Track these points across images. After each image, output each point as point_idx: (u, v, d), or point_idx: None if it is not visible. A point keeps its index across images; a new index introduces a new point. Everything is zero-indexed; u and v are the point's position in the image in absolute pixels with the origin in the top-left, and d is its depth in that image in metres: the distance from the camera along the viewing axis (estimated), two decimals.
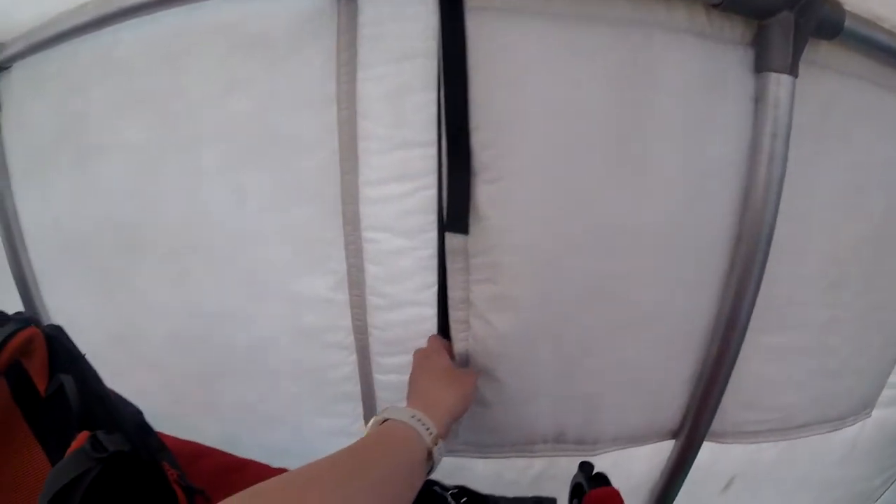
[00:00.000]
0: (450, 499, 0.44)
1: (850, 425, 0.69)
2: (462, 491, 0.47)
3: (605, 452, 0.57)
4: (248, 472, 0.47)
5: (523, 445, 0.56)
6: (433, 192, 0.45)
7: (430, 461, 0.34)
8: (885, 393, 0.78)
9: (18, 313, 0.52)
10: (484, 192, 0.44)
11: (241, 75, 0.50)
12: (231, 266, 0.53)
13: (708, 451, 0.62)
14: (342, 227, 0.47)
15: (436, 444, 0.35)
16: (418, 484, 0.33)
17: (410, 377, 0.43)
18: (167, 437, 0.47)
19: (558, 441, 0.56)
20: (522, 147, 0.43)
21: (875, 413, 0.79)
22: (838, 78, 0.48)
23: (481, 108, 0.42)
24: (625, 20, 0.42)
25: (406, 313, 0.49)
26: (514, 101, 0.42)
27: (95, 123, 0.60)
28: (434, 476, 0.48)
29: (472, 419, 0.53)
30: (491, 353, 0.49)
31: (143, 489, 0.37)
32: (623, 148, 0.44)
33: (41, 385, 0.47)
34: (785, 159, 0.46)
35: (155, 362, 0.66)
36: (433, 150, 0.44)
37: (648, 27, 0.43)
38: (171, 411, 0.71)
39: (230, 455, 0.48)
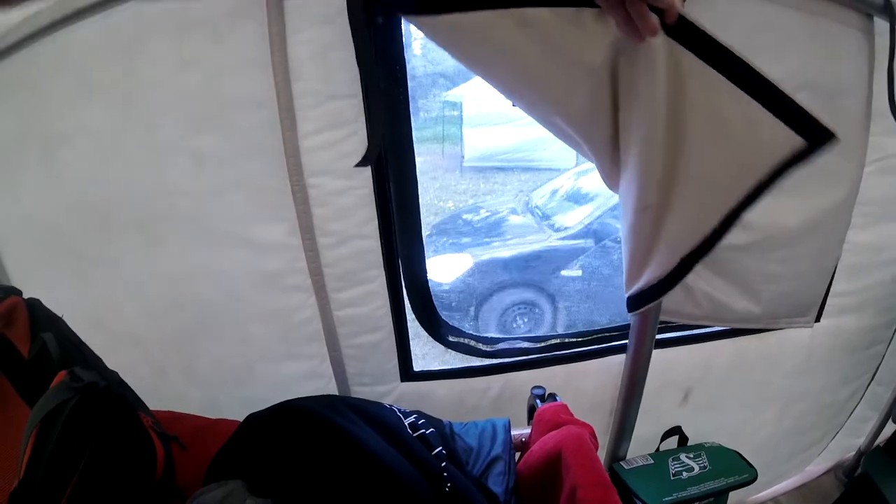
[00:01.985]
0: (398, 412, 0.50)
1: (784, 327, 0.72)
2: (416, 412, 0.53)
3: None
4: (220, 428, 0.53)
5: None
6: (362, 136, 0.54)
7: None
8: (833, 302, 0.88)
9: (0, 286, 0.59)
10: None
11: (189, 54, 0.58)
12: (194, 226, 0.60)
13: (658, 364, 0.68)
14: (288, 178, 0.57)
15: None
16: None
17: None
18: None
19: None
20: None
21: (826, 322, 0.88)
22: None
23: None
24: None
25: (353, 247, 0.57)
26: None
27: (57, 114, 0.66)
28: (396, 403, 0.56)
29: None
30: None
31: (119, 426, 0.41)
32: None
33: (24, 349, 0.55)
34: None
35: (134, 337, 0.73)
36: (358, 100, 0.54)
37: None
38: (155, 384, 0.79)
39: (203, 417, 0.55)
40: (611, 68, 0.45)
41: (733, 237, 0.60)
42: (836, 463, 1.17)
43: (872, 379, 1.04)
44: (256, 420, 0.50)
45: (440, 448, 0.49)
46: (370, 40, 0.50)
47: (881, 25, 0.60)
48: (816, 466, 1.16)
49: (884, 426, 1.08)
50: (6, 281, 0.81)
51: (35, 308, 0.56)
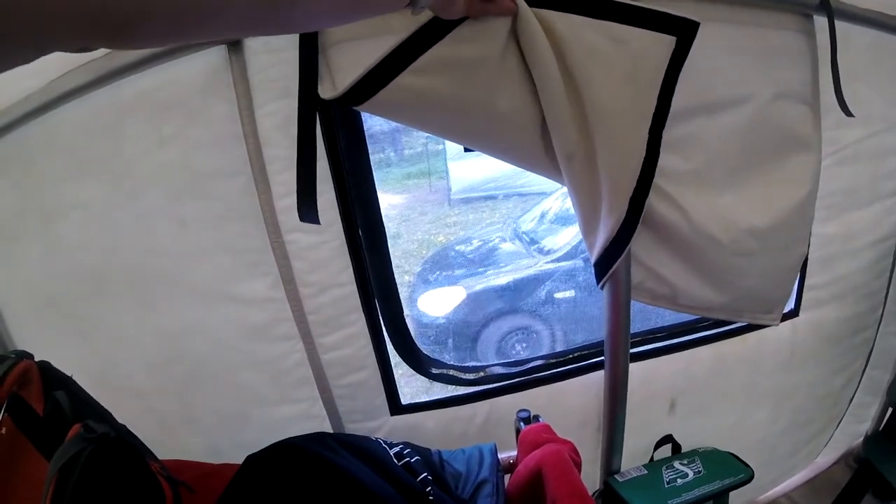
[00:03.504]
0: (384, 443, 0.54)
1: (748, 321, 0.72)
2: (403, 442, 0.57)
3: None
4: (224, 472, 0.57)
5: None
6: (332, 193, 0.60)
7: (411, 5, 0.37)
8: (810, 295, 0.92)
9: (14, 351, 0.65)
10: None
11: (167, 131, 0.66)
12: (184, 285, 0.66)
13: (635, 376, 0.71)
14: (268, 236, 0.63)
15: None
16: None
17: None
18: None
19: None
20: None
21: (805, 316, 0.92)
22: None
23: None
24: None
25: (332, 294, 0.61)
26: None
27: (52, 189, 0.72)
28: (387, 437, 0.61)
29: None
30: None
31: (131, 474, 0.46)
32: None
33: (39, 407, 0.60)
34: None
35: (137, 392, 0.79)
36: (324, 162, 0.61)
37: None
38: (159, 435, 0.83)
39: (207, 463, 0.59)
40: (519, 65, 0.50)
41: (705, 227, 0.63)
42: (845, 451, 1.19)
43: (867, 364, 1.07)
44: (254, 459, 0.56)
45: (425, 474, 0.54)
46: (313, 127, 0.54)
47: (821, 22, 0.63)
48: (826, 457, 1.18)
49: (886, 410, 1.10)
50: (11, 345, 0.88)
51: (47, 370, 0.62)
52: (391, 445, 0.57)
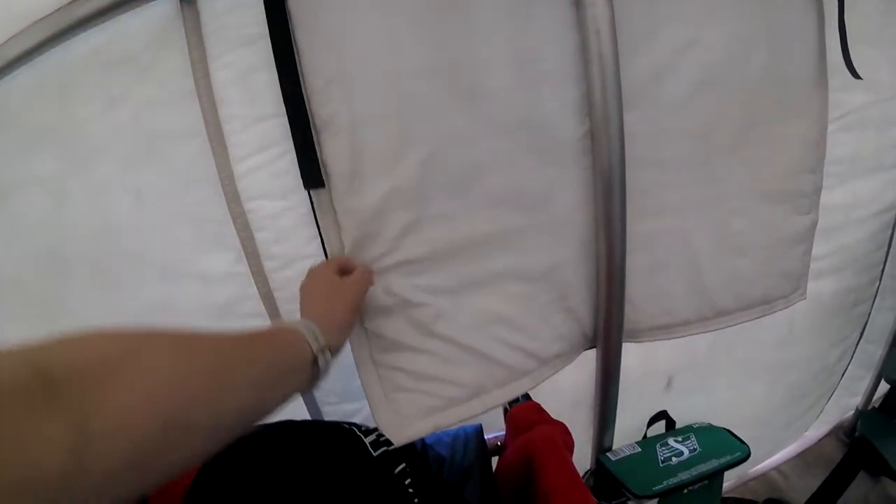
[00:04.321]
0: (358, 431, 0.45)
1: (783, 308, 0.68)
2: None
3: (542, 379, 0.57)
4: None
5: (462, 402, 0.54)
6: (293, 154, 0.52)
7: (317, 367, 0.35)
8: (811, 266, 0.84)
9: None
10: (331, 146, 0.49)
11: (116, 91, 0.57)
12: (144, 262, 0.58)
13: (635, 355, 0.65)
14: (227, 205, 0.55)
15: (323, 353, 0.35)
16: (299, 386, 0.33)
17: (300, 289, 0.44)
18: None
19: (489, 384, 0.55)
20: (355, 98, 0.47)
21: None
22: None
23: (313, 71, 0.48)
24: None
25: (299, 267, 0.54)
26: (340, 59, 0.47)
27: (3, 166, 0.67)
28: (361, 421, 0.54)
29: (394, 375, 0.54)
30: (375, 297, 0.52)
31: None
32: (449, 74, 0.48)
33: None
34: (615, 54, 0.50)
35: None
36: (284, 119, 0.51)
37: None
38: None
39: None
40: None
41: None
42: (835, 425, 1.14)
43: (860, 338, 1.00)
44: (218, 455, 0.48)
45: (403, 465, 0.47)
46: (296, 75, 0.47)
47: None
48: (816, 430, 1.13)
49: (878, 385, 1.04)
50: None
51: None
52: (367, 432, 0.49)
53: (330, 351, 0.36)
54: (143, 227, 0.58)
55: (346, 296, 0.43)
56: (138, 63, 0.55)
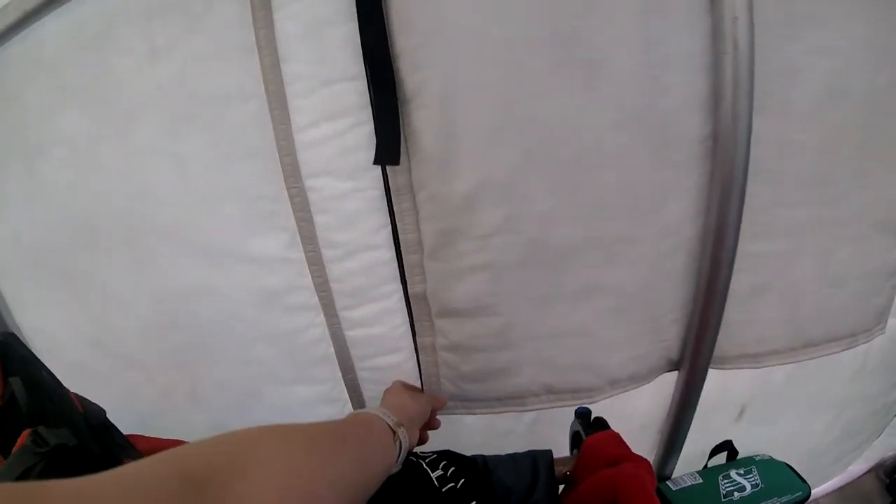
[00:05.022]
0: (425, 464, 0.41)
1: (864, 342, 0.61)
2: (443, 455, 0.44)
3: (606, 397, 0.53)
4: None
5: (512, 399, 0.51)
6: (369, 127, 0.42)
7: (398, 442, 0.36)
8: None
9: None
10: (419, 119, 0.40)
11: (161, 42, 0.47)
12: (185, 239, 0.50)
13: (714, 380, 0.57)
14: (283, 180, 0.46)
15: (399, 429, 0.37)
16: (390, 462, 0.34)
17: (384, 393, 0.47)
18: (151, 438, 0.45)
19: (551, 392, 0.51)
20: (453, 65, 0.39)
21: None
22: None
23: (403, 30, 0.39)
24: None
25: (363, 259, 0.46)
26: (438, 17, 0.39)
27: (35, 124, 0.57)
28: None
29: (450, 370, 0.50)
30: (452, 296, 0.45)
31: None
32: (567, 49, 0.40)
33: None
34: (751, 44, 0.41)
35: (135, 359, 0.65)
36: (362, 83, 0.42)
37: None
38: (160, 407, 0.71)
39: None
40: None
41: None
42: (877, 462, 1.05)
43: None
44: None
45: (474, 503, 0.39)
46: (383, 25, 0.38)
47: None
48: (857, 466, 1.04)
49: None
50: (4, 304, 0.73)
51: (8, 348, 0.47)
52: (431, 463, 0.41)
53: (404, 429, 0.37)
54: (185, 201, 0.49)
55: (419, 398, 0.46)
56: (188, 10, 0.45)
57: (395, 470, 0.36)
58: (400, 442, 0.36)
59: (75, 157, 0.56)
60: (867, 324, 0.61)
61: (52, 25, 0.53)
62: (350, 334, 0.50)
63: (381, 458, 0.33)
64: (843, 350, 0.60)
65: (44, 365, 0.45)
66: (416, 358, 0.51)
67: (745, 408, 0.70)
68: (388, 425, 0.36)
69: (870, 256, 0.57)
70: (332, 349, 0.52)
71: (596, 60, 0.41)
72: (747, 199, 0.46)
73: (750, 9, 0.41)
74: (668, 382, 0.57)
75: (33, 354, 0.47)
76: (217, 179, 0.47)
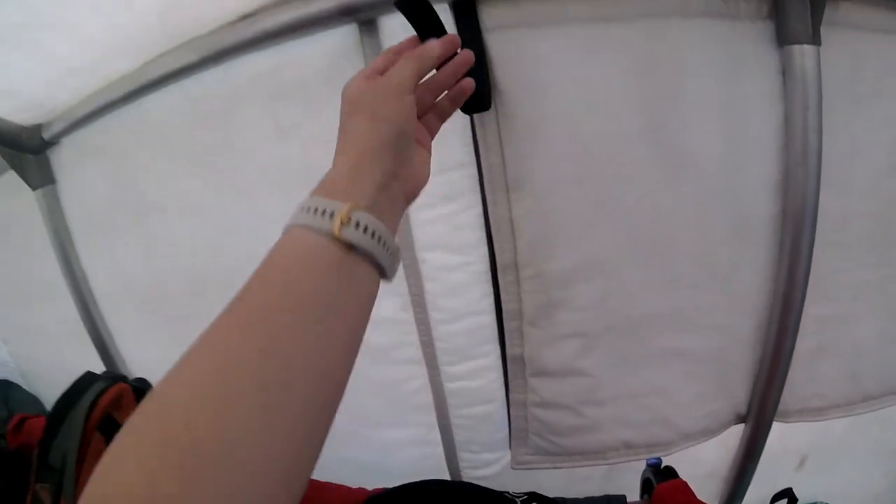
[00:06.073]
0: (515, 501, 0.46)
1: None
2: (532, 496, 0.48)
3: (679, 450, 0.56)
4: (326, 496, 0.51)
5: (594, 454, 0.55)
6: (479, 209, 0.48)
7: (354, 251, 0.21)
8: None
9: (106, 372, 0.59)
10: (521, 207, 0.46)
11: (286, 121, 0.54)
12: None
13: (777, 432, 0.61)
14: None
15: (346, 225, 0.21)
16: (358, 293, 0.21)
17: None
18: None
19: (629, 447, 0.55)
20: (554, 156, 0.44)
21: None
22: (865, 36, 0.47)
23: (510, 122, 0.44)
24: (638, 14, 0.43)
25: (466, 324, 0.52)
26: (541, 112, 0.44)
27: (147, 185, 0.64)
28: (506, 485, 0.51)
29: (540, 424, 0.54)
30: (547, 359, 0.51)
31: None
32: (654, 138, 0.45)
33: None
34: (820, 130, 0.46)
35: None
36: (473, 170, 0.47)
37: (663, 17, 0.43)
38: None
39: (313, 479, 0.54)
40: None
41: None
42: None
43: None
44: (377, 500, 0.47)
45: None
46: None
47: None
48: None
49: None
50: (109, 340, 0.81)
51: (142, 389, 0.56)
52: (514, 496, 0.47)
53: (359, 208, 0.21)
54: None
55: (379, 90, 0.26)
56: (311, 95, 0.51)
57: (392, 275, 0.22)
58: (363, 249, 0.21)
59: (190, 217, 0.63)
60: None
61: (163, 97, 0.58)
62: (449, 386, 0.56)
63: (338, 308, 0.20)
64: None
65: None
66: (506, 410, 0.56)
67: (806, 458, 0.73)
68: (332, 234, 0.20)
69: None
70: (430, 398, 0.57)
71: (681, 151, 0.45)
72: (814, 265, 0.50)
73: (819, 96, 0.45)
74: (733, 434, 0.61)
75: None
76: None
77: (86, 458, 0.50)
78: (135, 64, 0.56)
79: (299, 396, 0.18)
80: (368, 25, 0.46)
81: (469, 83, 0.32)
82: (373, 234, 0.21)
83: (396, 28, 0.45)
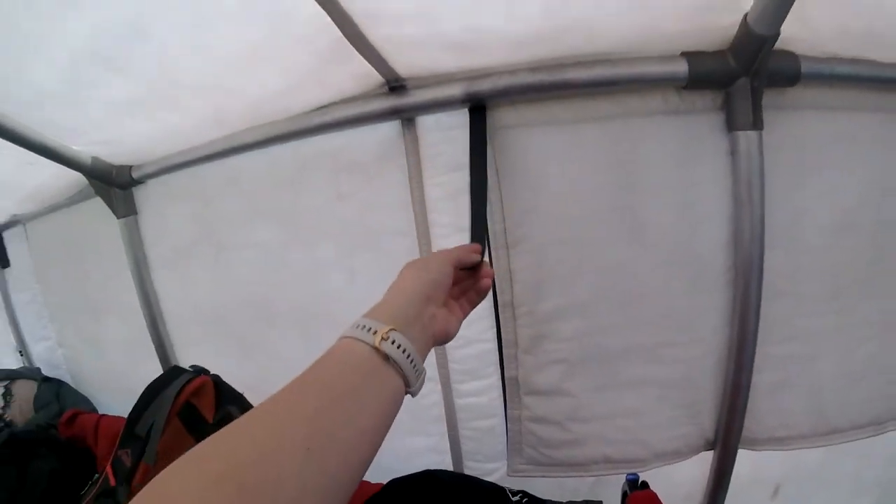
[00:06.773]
0: (509, 495, 0.56)
1: (893, 430, 0.69)
2: (524, 494, 0.58)
3: (653, 468, 0.65)
4: (357, 489, 0.64)
5: (579, 465, 0.65)
6: (485, 258, 0.64)
7: (392, 361, 0.27)
8: None
9: (193, 366, 0.72)
10: (518, 261, 0.60)
11: (346, 189, 0.72)
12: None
13: (749, 459, 0.67)
14: None
15: (386, 340, 0.28)
16: (391, 391, 0.27)
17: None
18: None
19: (609, 461, 0.65)
20: (543, 224, 0.59)
21: None
22: (808, 114, 0.55)
23: (510, 198, 0.59)
24: (606, 116, 0.55)
25: (476, 348, 0.65)
26: (534, 191, 0.59)
27: (228, 228, 0.81)
28: (501, 479, 0.63)
29: (533, 437, 0.65)
30: (537, 381, 0.62)
31: None
32: (620, 215, 0.58)
33: (210, 416, 0.65)
34: (761, 202, 0.55)
35: None
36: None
37: (625, 117, 0.55)
38: None
39: None
40: None
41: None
42: None
43: None
44: (397, 483, 0.59)
45: None
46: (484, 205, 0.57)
47: None
48: None
49: None
50: (171, 351, 0.96)
51: (220, 384, 0.69)
52: (513, 493, 0.58)
53: (396, 330, 0.28)
54: (351, 299, 0.72)
55: (429, 265, 0.37)
56: (366, 170, 0.69)
57: (415, 390, 0.29)
58: (394, 360, 0.27)
59: (263, 257, 0.81)
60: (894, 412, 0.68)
61: (248, 160, 0.74)
62: (459, 402, 0.69)
63: (372, 400, 0.25)
64: (872, 436, 0.68)
65: (247, 399, 0.67)
66: (506, 424, 0.68)
67: (780, 487, 0.78)
68: (374, 346, 0.27)
69: (891, 353, 0.65)
70: (443, 411, 0.71)
71: (641, 224, 0.58)
72: (770, 311, 0.59)
73: (761, 173, 0.54)
74: (707, 458, 0.69)
75: (240, 393, 0.69)
76: (377, 287, 0.70)
77: (164, 432, 0.60)
78: (224, 133, 0.71)
79: (334, 458, 0.22)
80: (409, 122, 0.64)
81: (487, 285, 0.43)
82: (404, 351, 0.28)
83: (430, 123, 0.63)
